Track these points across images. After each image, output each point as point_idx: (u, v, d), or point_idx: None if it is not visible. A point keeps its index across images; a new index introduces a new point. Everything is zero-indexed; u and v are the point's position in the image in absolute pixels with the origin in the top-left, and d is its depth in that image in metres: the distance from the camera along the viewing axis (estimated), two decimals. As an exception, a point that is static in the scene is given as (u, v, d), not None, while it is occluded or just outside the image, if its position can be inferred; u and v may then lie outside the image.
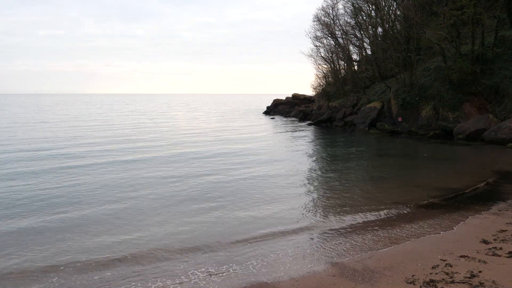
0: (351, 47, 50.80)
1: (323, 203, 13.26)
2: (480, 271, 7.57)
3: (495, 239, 9.37)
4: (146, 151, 24.16)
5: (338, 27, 50.15)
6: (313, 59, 55.14)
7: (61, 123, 45.58)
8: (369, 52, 48.55)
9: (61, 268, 8.39)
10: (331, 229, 10.66)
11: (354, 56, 51.80)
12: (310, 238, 10.01)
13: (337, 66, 52.34)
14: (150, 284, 7.67)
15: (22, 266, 8.49)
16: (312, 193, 14.70)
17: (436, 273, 7.59)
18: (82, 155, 22.50)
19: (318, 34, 52.19)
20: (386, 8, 43.78)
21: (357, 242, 9.70)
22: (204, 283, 7.69)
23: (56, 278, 7.97)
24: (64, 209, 12.42)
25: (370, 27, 46.51)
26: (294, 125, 45.39)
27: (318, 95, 54.35)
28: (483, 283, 7.08)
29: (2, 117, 57.88)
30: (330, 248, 9.36)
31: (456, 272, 7.58)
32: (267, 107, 72.33)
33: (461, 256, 8.40)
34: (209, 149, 25.53)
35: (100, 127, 41.10)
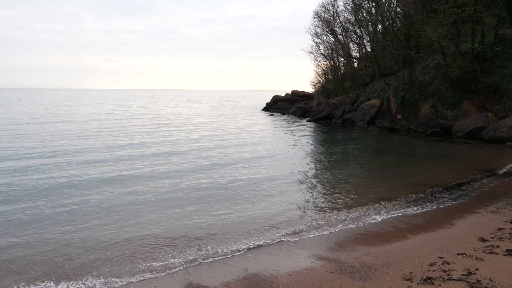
0: (351, 44, 50.78)
1: (321, 200, 13.27)
2: (477, 269, 7.59)
3: (492, 237, 9.40)
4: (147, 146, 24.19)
5: (338, 24, 50.08)
6: (312, 56, 55.10)
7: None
8: (369, 49, 48.50)
9: (61, 261, 8.42)
10: (328, 226, 10.68)
11: (354, 53, 51.82)
12: (308, 235, 10.02)
13: (337, 63, 52.26)
14: (145, 278, 7.70)
15: (22, 260, 8.50)
16: (309, 190, 14.70)
17: (433, 271, 7.61)
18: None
19: (318, 30, 52.14)
20: (386, 5, 43.69)
21: (355, 239, 9.72)
22: (204, 279, 7.71)
23: (57, 273, 7.98)
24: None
25: (370, 24, 46.42)
26: (293, 121, 45.35)
27: (317, 92, 54.25)
28: (480, 280, 7.10)
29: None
30: (328, 245, 9.37)
31: (453, 270, 7.60)
32: (266, 104, 72.21)
33: (458, 254, 8.42)
34: (207, 144, 25.52)
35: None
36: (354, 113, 40.50)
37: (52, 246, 9.19)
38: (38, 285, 7.50)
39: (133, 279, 7.71)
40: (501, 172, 17.49)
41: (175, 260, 8.55)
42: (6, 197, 13.08)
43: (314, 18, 52.66)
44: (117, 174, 16.48)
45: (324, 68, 54.55)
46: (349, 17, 48.62)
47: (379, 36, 44.17)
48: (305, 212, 11.86)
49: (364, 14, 46.44)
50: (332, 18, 50.16)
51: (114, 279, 7.71)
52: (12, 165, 18.02)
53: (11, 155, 20.52)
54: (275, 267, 8.08)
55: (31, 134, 29.65)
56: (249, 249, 9.13)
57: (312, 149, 25.14)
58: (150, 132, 32.24)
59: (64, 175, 16.05)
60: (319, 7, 51.07)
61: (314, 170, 18.37)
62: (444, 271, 7.58)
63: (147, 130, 33.40)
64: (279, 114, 58.77)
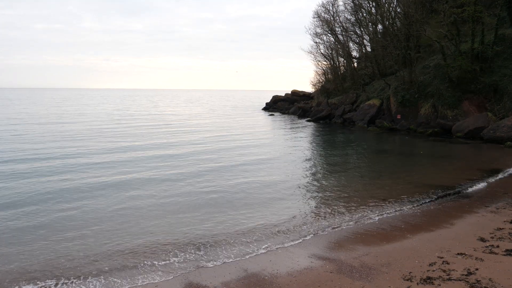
0: (351, 44, 50.77)
1: (320, 201, 13.27)
2: (477, 269, 7.59)
3: (492, 237, 9.40)
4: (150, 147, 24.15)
5: (338, 24, 50.07)
6: (312, 55, 55.08)
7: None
8: (368, 49, 48.50)
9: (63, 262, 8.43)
10: (328, 227, 10.68)
11: (354, 53, 51.81)
12: (308, 235, 10.03)
13: (337, 63, 52.26)
14: (146, 276, 7.71)
15: (22, 260, 8.52)
16: (309, 191, 14.71)
17: (433, 270, 7.62)
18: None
19: (318, 30, 52.14)
20: (386, 5, 43.67)
21: (354, 239, 9.72)
22: (203, 279, 7.72)
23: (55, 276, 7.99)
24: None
25: (370, 24, 46.40)
26: (293, 121, 45.36)
27: (317, 91, 54.26)
28: (479, 280, 7.11)
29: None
30: (328, 245, 9.38)
31: (453, 270, 7.61)
32: (266, 104, 72.26)
33: (458, 254, 8.43)
34: (208, 144, 25.50)
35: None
36: (354, 113, 40.49)
37: (52, 247, 9.19)
38: (38, 284, 7.51)
39: (133, 278, 7.72)
40: (501, 172, 17.49)
41: (176, 259, 8.56)
42: (7, 199, 13.02)
43: (314, 18, 52.74)
44: (118, 177, 16.24)
45: (324, 68, 54.58)
46: (349, 17, 48.68)
47: (379, 36, 44.16)
48: (304, 214, 11.85)
49: (364, 14, 46.45)
50: (332, 18, 50.21)
51: (114, 278, 7.72)
52: (13, 167, 17.91)
53: (12, 157, 20.40)
54: (275, 267, 8.09)
55: (31, 135, 29.63)
56: (249, 249, 9.14)
57: (312, 150, 25.14)
58: (151, 133, 31.90)
59: (64, 178, 15.84)
60: (319, 7, 51.19)
61: (314, 171, 18.37)
62: (444, 271, 7.58)
63: (148, 132, 33.07)
64: (279, 114, 58.77)
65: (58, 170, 17.24)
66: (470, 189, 14.52)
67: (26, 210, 11.83)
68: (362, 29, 47.92)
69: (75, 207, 12.17)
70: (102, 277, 7.78)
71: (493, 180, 15.99)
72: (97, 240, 9.63)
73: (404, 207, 12.32)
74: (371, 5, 45.64)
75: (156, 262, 8.42)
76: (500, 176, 16.76)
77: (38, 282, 7.57)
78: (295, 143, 26.97)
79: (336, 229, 10.42)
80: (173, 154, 22.00)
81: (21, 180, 15.36)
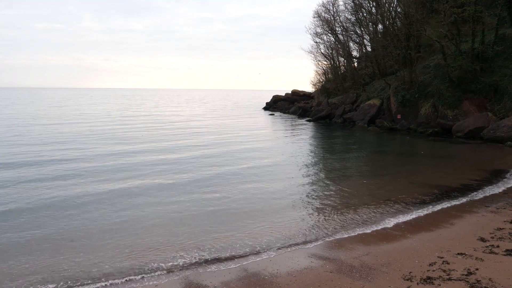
0: (351, 44, 50.75)
1: (321, 201, 13.27)
2: (477, 269, 7.59)
3: (492, 237, 9.40)
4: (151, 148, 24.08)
5: (338, 24, 50.06)
6: (313, 55, 55.08)
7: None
8: (369, 49, 48.49)
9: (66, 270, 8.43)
10: (328, 227, 10.68)
11: (354, 53, 51.78)
12: (307, 235, 10.03)
13: (337, 62, 52.25)
14: (152, 282, 7.72)
15: (22, 261, 8.52)
16: (309, 191, 14.70)
17: (433, 270, 7.62)
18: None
19: (318, 30, 52.14)
20: (386, 5, 43.66)
21: (354, 238, 9.73)
22: (203, 278, 7.72)
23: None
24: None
25: (370, 23, 46.40)
26: (293, 121, 45.34)
27: (317, 91, 54.25)
28: (480, 280, 7.11)
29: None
30: (328, 245, 9.38)
31: (453, 270, 7.61)
32: (267, 103, 72.29)
33: (458, 254, 8.43)
34: (210, 147, 25.46)
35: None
36: (354, 112, 40.49)
37: (53, 250, 9.16)
38: (38, 286, 7.51)
39: (133, 278, 7.72)
40: (501, 171, 17.47)
41: (176, 260, 8.56)
42: (8, 202, 12.95)
43: (314, 17, 52.79)
44: (120, 181, 15.91)
45: (324, 68, 54.57)
46: (349, 16, 48.65)
47: (380, 35, 44.16)
48: (304, 214, 11.86)
49: (365, 14, 46.44)
50: (332, 18, 50.20)
51: (114, 278, 7.72)
52: (15, 170, 17.70)
53: (14, 159, 20.26)
54: (275, 267, 8.09)
55: (31, 137, 29.60)
56: (249, 249, 9.14)
57: (313, 151, 25.12)
58: (152, 135, 31.36)
59: (67, 183, 15.64)
60: (319, 7, 51.21)
61: (316, 173, 18.36)
62: (444, 271, 7.58)
63: (149, 133, 32.57)
64: (279, 113, 58.77)
65: (59, 174, 16.92)
66: (470, 189, 14.50)
67: (27, 214, 11.74)
68: (362, 29, 47.94)
69: (76, 212, 12.00)
70: (103, 277, 7.78)
71: (493, 180, 15.95)
72: (98, 242, 9.59)
73: (404, 207, 12.31)
74: (371, 5, 45.66)
75: (156, 263, 8.42)
76: (500, 176, 16.69)
77: (38, 286, 7.56)
78: (296, 145, 26.90)
79: (336, 230, 10.41)
80: (176, 157, 21.49)
81: (22, 183, 15.21)
